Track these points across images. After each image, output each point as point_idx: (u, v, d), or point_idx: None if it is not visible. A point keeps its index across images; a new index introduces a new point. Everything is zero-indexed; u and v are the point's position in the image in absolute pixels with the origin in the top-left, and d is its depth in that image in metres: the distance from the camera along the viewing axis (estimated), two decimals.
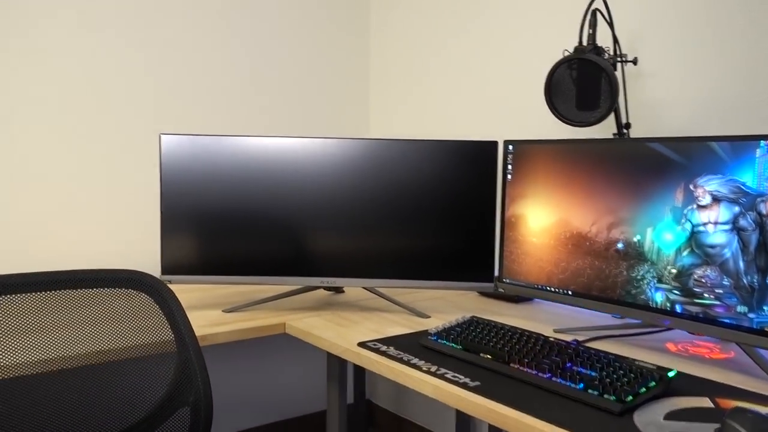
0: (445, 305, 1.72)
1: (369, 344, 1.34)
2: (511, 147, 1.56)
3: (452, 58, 2.11)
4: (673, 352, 1.34)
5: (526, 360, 1.17)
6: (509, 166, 1.56)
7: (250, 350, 2.24)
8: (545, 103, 1.41)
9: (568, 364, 1.14)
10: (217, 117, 2.13)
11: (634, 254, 1.33)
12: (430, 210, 1.58)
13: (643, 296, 1.32)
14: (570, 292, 1.45)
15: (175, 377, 0.96)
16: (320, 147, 1.58)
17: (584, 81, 1.37)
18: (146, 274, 0.96)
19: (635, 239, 1.33)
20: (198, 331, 1.41)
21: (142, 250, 2.00)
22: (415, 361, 1.24)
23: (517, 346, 1.24)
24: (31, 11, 1.78)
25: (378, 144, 1.58)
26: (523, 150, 1.53)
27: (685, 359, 1.30)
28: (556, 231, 1.47)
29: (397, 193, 1.58)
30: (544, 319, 1.58)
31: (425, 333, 1.37)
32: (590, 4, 1.39)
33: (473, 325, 1.38)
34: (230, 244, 1.58)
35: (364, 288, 1.69)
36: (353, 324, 1.51)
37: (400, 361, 1.24)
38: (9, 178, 1.80)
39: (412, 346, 1.33)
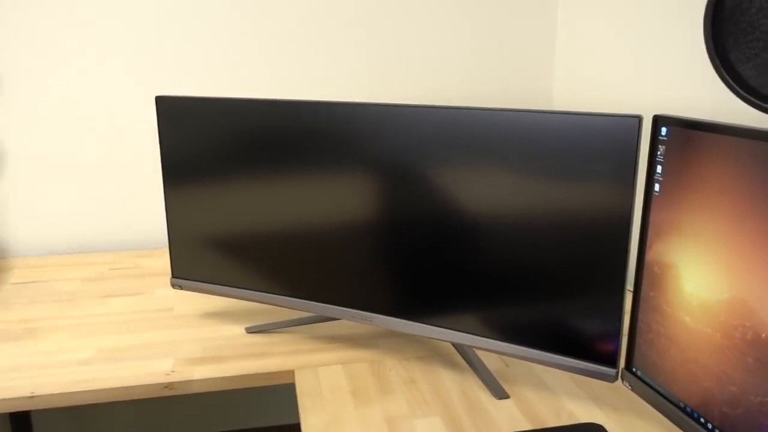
0: (552, 374, 1.07)
1: None
2: (664, 130, 0.79)
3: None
4: None
5: None
6: (658, 168, 0.81)
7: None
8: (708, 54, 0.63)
9: None
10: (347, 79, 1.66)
11: None
12: (529, 238, 0.93)
13: None
14: None
15: None
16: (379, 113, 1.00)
17: None
18: None
19: None
20: (176, 371, 1.05)
21: None
22: None
23: None
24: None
25: (434, 113, 0.95)
26: (689, 139, 0.76)
27: None
28: (728, 318, 0.71)
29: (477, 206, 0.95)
30: None
31: None
32: None
33: None
34: (261, 251, 1.15)
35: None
36: (379, 395, 0.99)
37: None
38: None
39: None
